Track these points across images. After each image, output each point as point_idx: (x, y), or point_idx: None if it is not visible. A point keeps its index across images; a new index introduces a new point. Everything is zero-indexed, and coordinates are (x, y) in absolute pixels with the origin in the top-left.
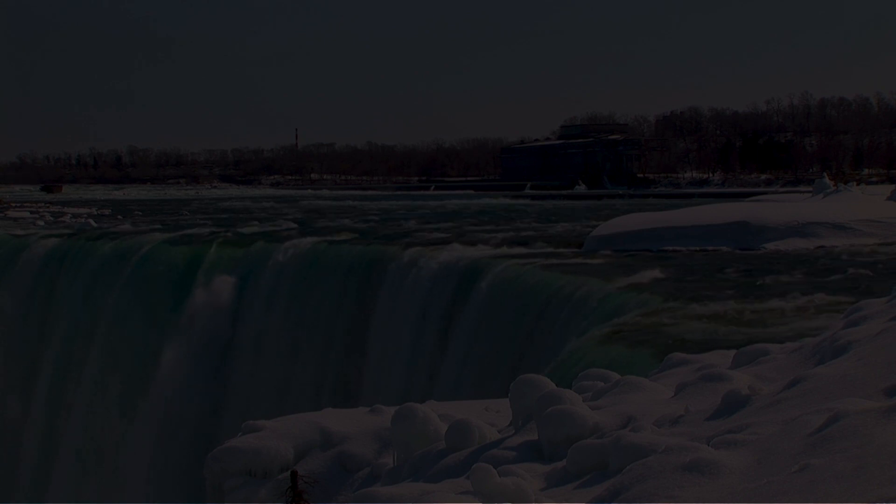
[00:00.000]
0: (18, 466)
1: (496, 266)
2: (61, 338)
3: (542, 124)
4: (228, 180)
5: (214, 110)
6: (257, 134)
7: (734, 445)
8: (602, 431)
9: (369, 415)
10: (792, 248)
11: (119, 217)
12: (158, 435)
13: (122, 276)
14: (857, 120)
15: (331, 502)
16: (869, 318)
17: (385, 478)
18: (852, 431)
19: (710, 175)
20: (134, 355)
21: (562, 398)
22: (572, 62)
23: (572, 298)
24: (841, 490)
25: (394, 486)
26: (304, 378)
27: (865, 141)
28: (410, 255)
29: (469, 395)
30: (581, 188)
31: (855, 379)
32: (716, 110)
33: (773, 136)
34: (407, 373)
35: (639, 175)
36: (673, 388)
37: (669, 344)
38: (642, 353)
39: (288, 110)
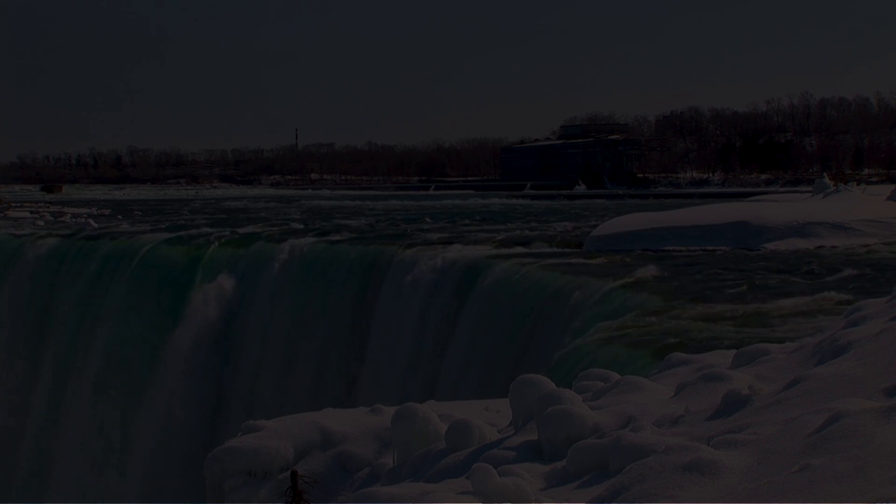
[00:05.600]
0: (18, 466)
1: (496, 266)
2: (61, 338)
3: (542, 124)
4: (228, 180)
5: (214, 110)
6: (257, 134)
7: (734, 445)
8: (602, 431)
9: (369, 415)
10: (792, 248)
11: (119, 217)
12: (159, 435)
13: (122, 276)
14: (857, 120)
15: (331, 502)
16: (869, 318)
17: (385, 478)
18: (852, 431)
19: (710, 175)
20: (134, 355)
21: (562, 398)
22: (572, 62)
23: (572, 298)
24: (841, 490)
25: (394, 486)
26: (304, 378)
27: (865, 141)
28: (410, 255)
29: (469, 395)
30: (581, 188)
31: (855, 379)
32: (716, 110)
33: (773, 136)
34: (407, 373)
35: (639, 175)
36: (673, 388)
37: (669, 344)
38: (642, 353)
39: (288, 110)
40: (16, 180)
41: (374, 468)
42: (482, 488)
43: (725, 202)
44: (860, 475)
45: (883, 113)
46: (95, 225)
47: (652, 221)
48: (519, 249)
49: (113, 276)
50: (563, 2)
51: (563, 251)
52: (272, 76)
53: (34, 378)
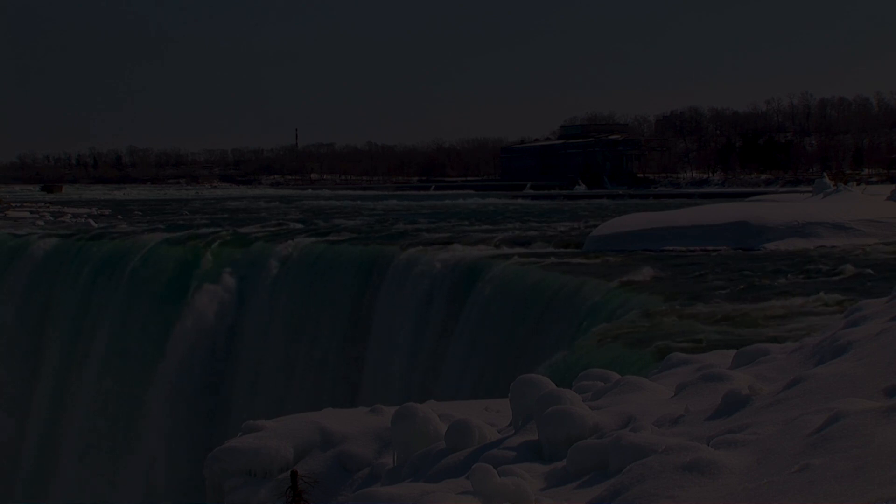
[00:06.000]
0: (18, 468)
1: (496, 266)
2: (61, 338)
3: (542, 124)
4: (228, 180)
5: (214, 110)
6: (257, 134)
7: (734, 445)
8: (602, 431)
9: (369, 415)
10: (792, 248)
11: (119, 217)
12: (159, 435)
13: (122, 276)
14: (857, 120)
15: (331, 502)
16: (869, 318)
17: (385, 478)
18: (852, 431)
19: (710, 175)
20: (134, 355)
21: (562, 398)
22: (572, 62)
23: (572, 298)
24: (841, 490)
25: (394, 486)
26: (305, 377)
27: (865, 141)
28: (410, 255)
29: (469, 395)
30: (581, 188)
31: (855, 379)
32: (716, 110)
33: (773, 136)
34: (407, 373)
35: (639, 175)
36: (673, 388)
37: (669, 344)
38: (642, 353)
39: (288, 110)
40: (16, 180)
41: (374, 468)
42: (482, 488)
43: (725, 202)
44: (860, 475)
45: (883, 113)
46: (95, 225)
47: (652, 221)
48: (519, 249)
49: (113, 276)
50: (563, 2)
51: (563, 251)
52: (272, 76)
53: (34, 378)
